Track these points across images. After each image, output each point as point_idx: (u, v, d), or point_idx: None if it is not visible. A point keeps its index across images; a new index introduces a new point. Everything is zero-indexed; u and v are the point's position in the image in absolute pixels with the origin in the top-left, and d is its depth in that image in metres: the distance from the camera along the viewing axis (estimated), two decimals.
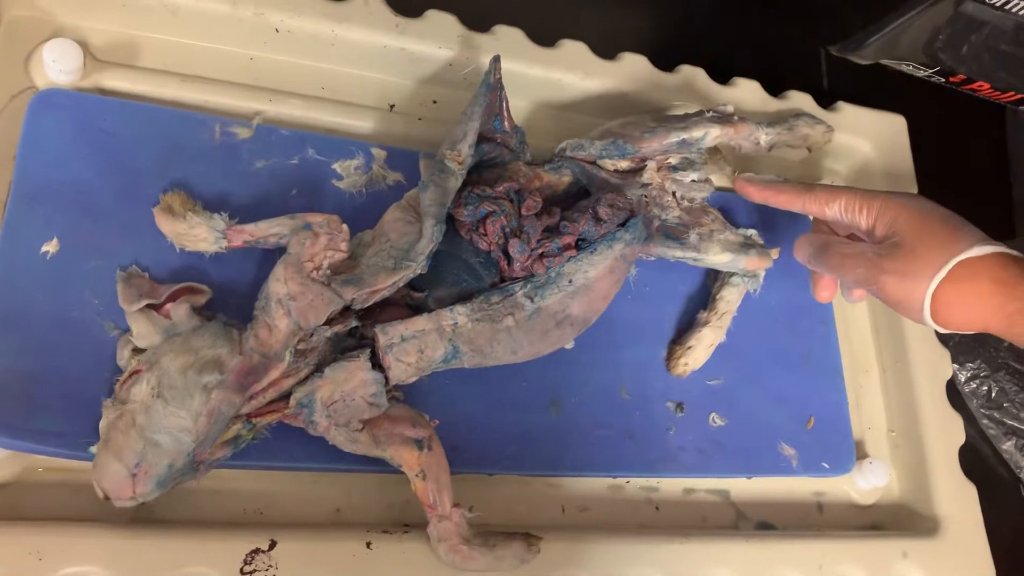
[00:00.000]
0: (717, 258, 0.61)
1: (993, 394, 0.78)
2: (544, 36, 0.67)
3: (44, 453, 0.48)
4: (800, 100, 0.74)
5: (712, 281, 0.66)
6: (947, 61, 0.68)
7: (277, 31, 0.61)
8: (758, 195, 0.60)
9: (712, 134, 0.62)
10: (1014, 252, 0.50)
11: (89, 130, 0.53)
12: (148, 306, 0.49)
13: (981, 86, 0.69)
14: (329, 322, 0.49)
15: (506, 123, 0.58)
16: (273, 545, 0.49)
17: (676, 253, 0.60)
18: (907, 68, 0.70)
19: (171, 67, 0.59)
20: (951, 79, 0.70)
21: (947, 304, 0.50)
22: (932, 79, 0.71)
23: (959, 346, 0.78)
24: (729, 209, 0.68)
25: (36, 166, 0.51)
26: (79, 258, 0.51)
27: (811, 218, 0.73)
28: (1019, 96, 0.71)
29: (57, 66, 0.54)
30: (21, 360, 0.48)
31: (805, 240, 0.58)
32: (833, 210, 0.56)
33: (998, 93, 0.71)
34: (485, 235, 0.54)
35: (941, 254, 0.49)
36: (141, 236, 0.52)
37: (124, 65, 0.58)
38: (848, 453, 0.66)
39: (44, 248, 0.50)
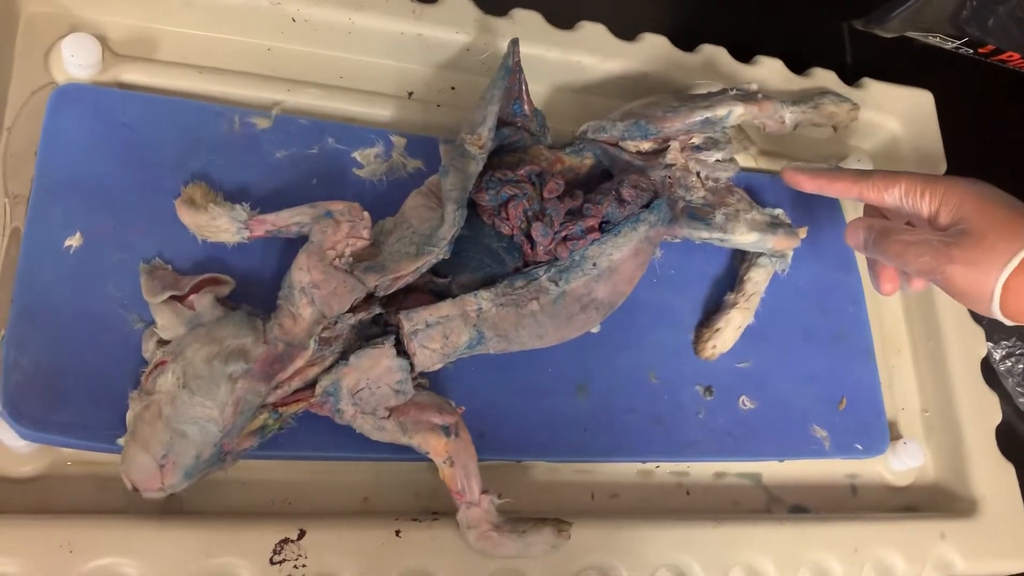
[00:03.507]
0: (744, 238, 0.60)
1: None
2: (562, 18, 0.67)
3: (72, 446, 0.48)
4: (824, 77, 0.73)
5: (739, 262, 0.65)
6: (974, 33, 0.66)
7: (294, 20, 0.60)
8: (810, 184, 0.58)
9: (736, 112, 0.61)
10: None
11: (109, 124, 0.53)
12: (172, 298, 0.48)
13: (1011, 56, 0.68)
14: (353, 309, 0.49)
15: (526, 106, 0.58)
16: (302, 535, 0.48)
17: (702, 234, 0.59)
18: (934, 40, 0.69)
19: (189, 59, 0.59)
20: (980, 50, 0.68)
21: (1019, 294, 0.48)
22: (960, 51, 0.69)
23: (994, 324, 0.76)
24: (755, 189, 0.67)
25: (57, 161, 0.51)
26: (102, 252, 0.50)
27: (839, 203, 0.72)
28: None
29: (76, 61, 0.54)
30: (47, 354, 0.47)
31: (860, 225, 0.55)
32: (892, 196, 0.54)
33: None
34: (507, 219, 0.53)
35: (1012, 242, 0.47)
36: (163, 228, 0.52)
37: (142, 59, 0.58)
38: (882, 434, 0.65)
39: (67, 242, 0.50)
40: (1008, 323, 0.50)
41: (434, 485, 0.54)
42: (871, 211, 0.60)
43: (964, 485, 0.65)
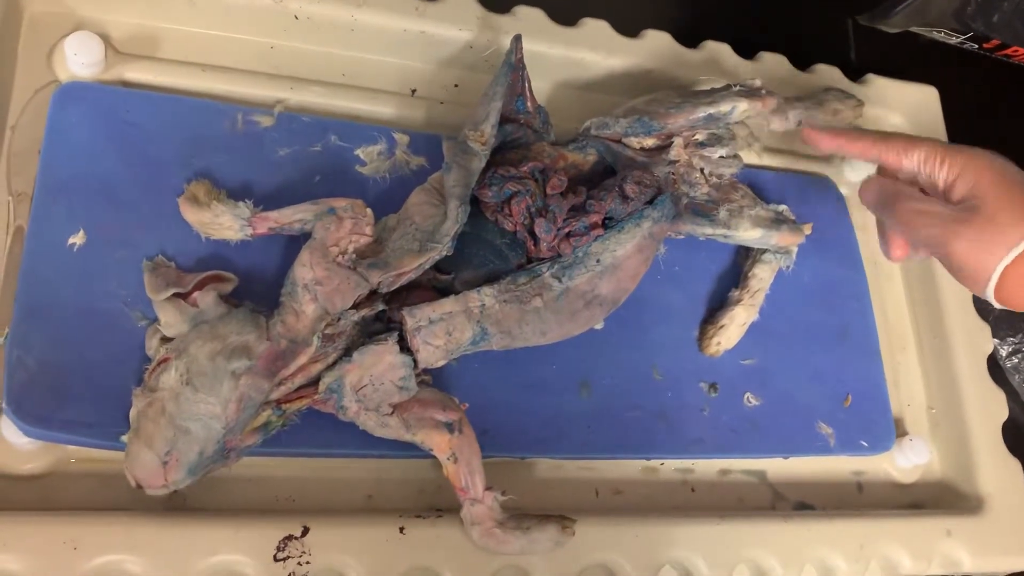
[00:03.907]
0: (748, 234, 0.60)
1: None
2: (565, 15, 0.67)
3: (76, 444, 0.48)
4: (828, 74, 0.73)
5: (743, 259, 0.65)
6: (979, 27, 0.66)
7: (296, 18, 0.60)
8: (830, 143, 0.56)
9: (740, 108, 0.60)
10: None
11: (112, 122, 0.53)
12: (175, 295, 0.48)
13: (1016, 51, 0.67)
14: (356, 306, 0.49)
15: (529, 103, 0.57)
16: (306, 531, 0.48)
17: (706, 230, 0.59)
18: (939, 35, 0.68)
19: (192, 58, 0.59)
20: (985, 45, 0.68)
21: (1016, 280, 0.47)
22: (965, 46, 0.69)
23: (999, 320, 0.76)
24: (758, 185, 0.67)
25: (61, 159, 0.51)
26: (106, 249, 0.51)
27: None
28: None
29: (79, 59, 0.54)
30: (51, 352, 0.47)
31: (874, 183, 0.54)
32: (911, 161, 0.52)
33: None
34: (510, 216, 0.53)
35: (1021, 227, 0.46)
36: (167, 226, 0.52)
37: (145, 57, 0.58)
38: (887, 431, 0.65)
39: (71, 240, 0.50)
40: (998, 306, 0.49)
41: (438, 482, 0.54)
42: (887, 174, 0.57)
43: (970, 482, 0.65)
